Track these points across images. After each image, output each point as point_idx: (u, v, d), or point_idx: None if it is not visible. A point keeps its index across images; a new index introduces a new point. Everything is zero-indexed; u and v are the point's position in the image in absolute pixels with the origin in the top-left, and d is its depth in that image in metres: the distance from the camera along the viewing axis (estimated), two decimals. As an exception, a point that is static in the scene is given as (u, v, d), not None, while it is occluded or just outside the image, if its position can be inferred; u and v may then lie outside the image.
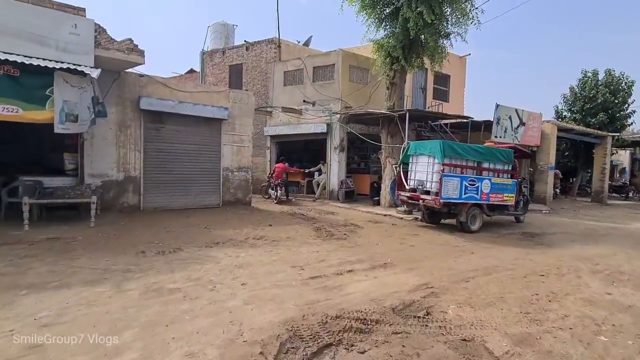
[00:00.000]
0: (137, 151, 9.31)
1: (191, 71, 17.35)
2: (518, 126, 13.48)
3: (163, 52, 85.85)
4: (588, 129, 16.67)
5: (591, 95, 18.56)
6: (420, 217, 9.64)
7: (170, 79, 9.64)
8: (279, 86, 14.73)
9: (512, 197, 8.82)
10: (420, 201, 8.25)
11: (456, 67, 17.28)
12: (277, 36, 14.89)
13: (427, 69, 15.72)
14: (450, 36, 11.15)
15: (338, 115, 13.19)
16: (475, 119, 13.08)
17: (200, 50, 17.35)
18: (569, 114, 19.71)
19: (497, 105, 12.66)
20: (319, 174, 14.04)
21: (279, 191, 12.67)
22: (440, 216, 9.30)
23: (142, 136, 9.36)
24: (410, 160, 8.89)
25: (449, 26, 11.09)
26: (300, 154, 18.07)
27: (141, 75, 9.32)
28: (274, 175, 13.10)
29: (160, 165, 9.70)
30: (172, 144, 9.84)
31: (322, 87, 13.52)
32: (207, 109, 10.12)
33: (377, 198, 12.42)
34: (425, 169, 8.35)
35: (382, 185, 12.21)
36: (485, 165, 8.45)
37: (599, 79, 18.94)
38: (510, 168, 8.85)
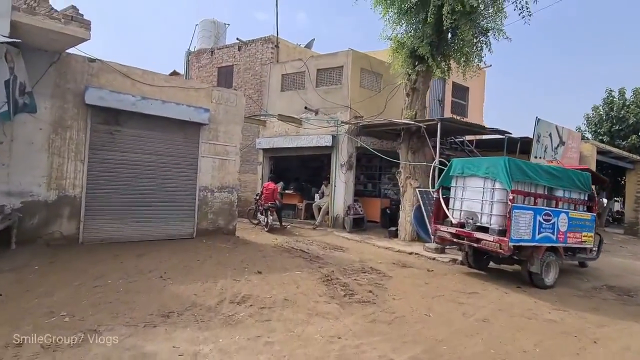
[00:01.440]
0: (78, 161, 6.78)
1: (174, 73, 15.13)
2: (558, 145, 11.40)
3: (141, 51, 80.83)
4: (624, 153, 14.76)
5: (621, 116, 16.85)
6: (461, 259, 7.21)
7: (134, 68, 7.21)
8: (275, 91, 12.51)
9: (591, 236, 6.50)
10: (475, 242, 5.84)
11: (475, 79, 15.38)
12: (275, 34, 12.84)
13: (445, 79, 13.81)
14: (489, 33, 9.15)
15: (346, 126, 10.93)
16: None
17: (186, 50, 15.21)
18: (594, 136, 17.93)
19: (538, 120, 10.58)
20: (321, 197, 11.60)
21: (270, 217, 10.15)
22: (489, 259, 6.90)
23: (87, 141, 6.86)
24: (454, 184, 6.56)
25: (486, 21, 9.11)
26: (298, 171, 15.68)
27: (92, 60, 6.92)
28: (262, 197, 10.64)
29: (111, 181, 7.15)
30: (131, 153, 7.34)
31: (327, 93, 11.33)
32: (182, 110, 7.71)
33: (394, 229, 9.99)
34: (479, 197, 6.01)
35: (400, 213, 9.81)
36: (559, 193, 6.15)
37: (627, 98, 17.31)
38: (586, 197, 6.56)
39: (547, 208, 5.80)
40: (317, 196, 11.81)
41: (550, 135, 11.04)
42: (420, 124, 8.73)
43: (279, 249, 7.81)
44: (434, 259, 7.61)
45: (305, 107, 11.12)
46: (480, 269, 6.88)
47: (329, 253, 7.77)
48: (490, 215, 5.77)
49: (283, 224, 10.89)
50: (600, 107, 17.85)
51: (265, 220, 10.29)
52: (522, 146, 10.89)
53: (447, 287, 5.57)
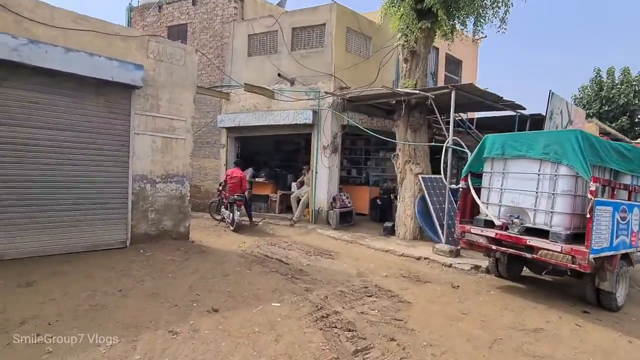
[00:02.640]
0: None
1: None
2: (567, 124, 10.08)
3: (70, 5, 71.80)
4: (620, 135, 13.96)
5: (610, 96, 16.09)
6: (486, 267, 5.58)
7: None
8: (240, 56, 10.13)
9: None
10: (526, 252, 4.13)
11: (469, 51, 13.82)
12: (240, -14, 10.33)
13: (438, 49, 12.07)
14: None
15: (330, 100, 8.88)
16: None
17: (127, 4, 12.24)
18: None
19: (552, 94, 9.10)
20: (300, 186, 9.58)
21: (237, 212, 8.03)
22: (522, 266, 5.31)
23: None
24: (488, 169, 4.79)
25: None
26: (271, 155, 13.49)
27: None
28: (226, 187, 8.48)
29: (-15, 169, 4.69)
30: (21, 128, 4.88)
31: (305, 58, 9.16)
32: (99, 64, 5.29)
33: (389, 224, 8.23)
34: (531, 187, 4.27)
35: (398, 205, 8.05)
36: (627, 179, 4.56)
37: (615, 77, 16.58)
38: (651, 185, 5.05)
39: (625, 202, 4.19)
40: (294, 185, 9.78)
41: (561, 112, 9.66)
42: (428, 94, 6.87)
43: (247, 260, 5.77)
44: (450, 265, 5.91)
45: (279, 74, 8.91)
46: (514, 280, 5.27)
47: (316, 262, 5.85)
48: (551, 213, 4.07)
49: (253, 220, 8.81)
50: (589, 87, 17.06)
51: (231, 217, 8.15)
52: (532, 124, 9.43)
53: (496, 321, 3.84)
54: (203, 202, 10.51)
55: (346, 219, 8.95)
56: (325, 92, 8.57)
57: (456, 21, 7.80)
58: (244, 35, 10.09)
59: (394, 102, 8.50)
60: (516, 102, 8.05)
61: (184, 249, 6.08)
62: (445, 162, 6.43)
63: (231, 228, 8.20)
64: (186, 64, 6.49)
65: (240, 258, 5.87)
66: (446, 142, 6.44)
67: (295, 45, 9.46)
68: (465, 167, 5.02)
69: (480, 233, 4.61)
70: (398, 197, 8.08)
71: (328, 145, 8.95)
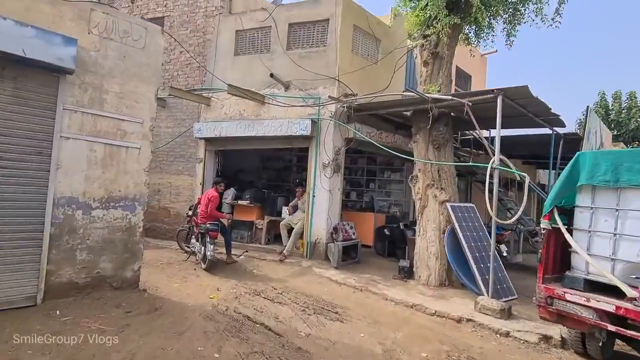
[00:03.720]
0: None
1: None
2: (599, 146, 8.83)
3: None
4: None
5: (620, 120, 15.29)
6: (564, 340, 3.91)
7: None
8: (226, 55, 8.53)
9: None
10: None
11: (477, 66, 12.74)
12: (228, -24, 8.88)
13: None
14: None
15: (333, 108, 7.31)
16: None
17: (97, -4, 10.59)
18: (588, 142, 16.26)
19: (589, 111, 7.85)
20: (293, 211, 7.82)
21: (210, 246, 6.16)
22: (613, 340, 3.67)
23: None
24: (589, 203, 3.21)
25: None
26: (259, 173, 11.75)
27: None
28: (197, 212, 6.67)
29: None
30: None
31: (303, 59, 7.64)
32: (3, 29, 3.52)
33: (405, 264, 6.53)
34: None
35: (418, 239, 6.37)
36: None
37: (622, 102, 15.89)
38: None
39: None
40: (285, 210, 8.01)
41: (596, 132, 8.41)
42: (464, 100, 5.36)
43: (218, 326, 3.90)
44: (508, 334, 4.20)
45: (272, 75, 7.30)
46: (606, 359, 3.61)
47: (319, 329, 4.05)
48: None
49: (232, 254, 6.93)
50: (596, 109, 16.30)
51: (202, 252, 6.28)
52: (566, 145, 8.09)
53: None
54: (172, 229, 8.58)
55: (350, 255, 7.19)
56: (329, 97, 6.99)
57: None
58: (231, 31, 8.53)
59: (409, 113, 7.03)
60: (559, 116, 6.68)
61: (127, 305, 4.17)
62: (491, 189, 4.85)
63: (202, 266, 6.31)
64: (147, 48, 4.78)
65: (209, 322, 4.00)
66: (491, 162, 4.88)
67: (291, 44, 7.94)
68: (550, 199, 3.42)
69: (585, 303, 2.96)
70: (417, 230, 6.41)
71: (329, 162, 7.30)
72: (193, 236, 6.92)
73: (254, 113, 8.05)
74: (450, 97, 5.52)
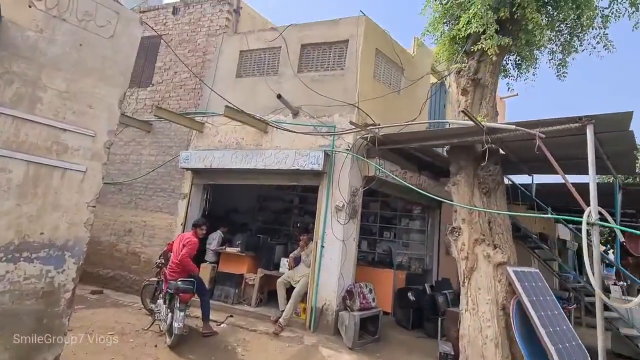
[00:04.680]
0: None
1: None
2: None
3: None
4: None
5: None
6: None
7: None
8: (226, 77, 7.42)
9: None
10: None
11: (499, 109, 11.85)
12: (237, -3, 8.10)
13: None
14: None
15: (351, 139, 6.01)
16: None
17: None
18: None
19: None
20: (294, 264, 6.16)
21: (178, 314, 4.43)
22: None
23: None
24: None
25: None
26: (253, 215, 10.21)
27: None
28: (166, 263, 5.04)
29: None
30: None
31: (317, 83, 6.51)
32: None
33: (448, 350, 4.78)
34: None
35: (464, 315, 4.69)
36: None
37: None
38: None
39: None
40: (284, 263, 6.36)
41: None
42: (534, 131, 4.05)
43: None
44: None
45: (279, 96, 6.09)
46: None
47: None
48: None
49: (212, 320, 5.18)
50: None
51: (169, 320, 4.54)
52: (627, 198, 6.74)
53: None
54: (140, 280, 6.82)
55: (367, 329, 5.43)
56: (351, 122, 5.70)
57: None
58: (235, 51, 7.51)
59: (445, 149, 5.74)
60: None
61: None
62: (591, 252, 3.36)
63: (167, 341, 4.52)
64: (117, 38, 3.52)
65: None
66: (586, 214, 3.44)
67: (303, 66, 6.87)
68: None
69: None
70: (463, 301, 4.77)
71: (344, 206, 5.82)
72: (161, 294, 5.19)
73: (254, 142, 6.73)
74: (513, 127, 4.22)
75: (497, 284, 4.51)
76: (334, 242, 5.77)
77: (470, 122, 4.65)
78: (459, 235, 5.00)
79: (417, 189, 5.42)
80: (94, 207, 3.33)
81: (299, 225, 9.63)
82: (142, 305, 5.98)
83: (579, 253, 11.57)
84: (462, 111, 4.39)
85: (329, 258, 5.74)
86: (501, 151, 5.32)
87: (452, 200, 5.17)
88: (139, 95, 8.19)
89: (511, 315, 4.14)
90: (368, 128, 5.53)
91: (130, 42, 3.63)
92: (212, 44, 7.80)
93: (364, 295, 5.44)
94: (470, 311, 4.59)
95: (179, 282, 4.52)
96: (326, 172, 5.97)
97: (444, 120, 5.35)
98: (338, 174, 5.95)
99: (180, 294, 4.48)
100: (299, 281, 5.89)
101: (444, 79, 7.06)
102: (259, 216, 10.19)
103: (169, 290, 4.64)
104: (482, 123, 4.43)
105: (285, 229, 9.78)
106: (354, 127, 5.68)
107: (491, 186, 4.98)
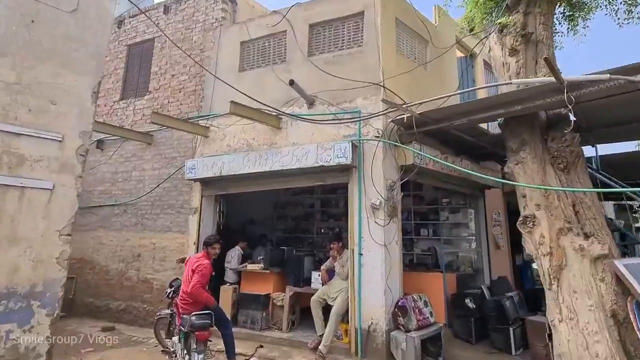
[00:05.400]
0: None
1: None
2: None
3: None
4: None
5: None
6: None
7: None
8: (228, 72, 6.60)
9: None
10: None
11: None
12: (231, -14, 7.32)
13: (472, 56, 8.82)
14: None
15: (380, 125, 5.07)
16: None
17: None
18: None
19: None
20: (328, 277, 5.23)
21: (197, 356, 3.53)
22: None
23: None
24: None
25: None
26: (272, 225, 9.35)
27: None
28: (177, 292, 4.15)
29: None
30: None
31: (331, 66, 5.62)
32: None
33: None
34: None
35: (560, 326, 3.65)
36: None
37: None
38: None
39: None
40: (316, 277, 5.44)
41: None
42: (636, 78, 3.04)
43: None
44: None
45: (291, 83, 5.20)
46: None
47: None
48: None
49: (238, 355, 4.29)
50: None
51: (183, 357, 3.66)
52: None
53: None
54: (154, 310, 6.01)
55: (428, 351, 4.43)
56: (383, 100, 4.75)
57: None
58: (235, 43, 6.70)
59: (498, 122, 4.75)
60: None
61: None
62: None
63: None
64: (81, 12, 2.70)
65: None
66: None
67: (314, 48, 5.99)
68: None
69: None
70: (552, 310, 3.73)
71: (381, 203, 4.87)
72: (175, 329, 4.33)
73: (267, 141, 5.87)
74: (607, 77, 3.21)
75: (599, 284, 3.47)
76: (374, 247, 4.82)
77: (536, 81, 3.67)
78: (534, 225, 3.98)
79: (475, 173, 4.43)
80: (69, 235, 2.49)
81: (322, 231, 8.71)
82: (157, 341, 5.15)
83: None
84: (545, 59, 3.38)
85: (370, 267, 4.79)
86: (571, 117, 4.29)
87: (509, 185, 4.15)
88: (136, 105, 7.46)
89: (635, 321, 3.09)
90: (405, 106, 4.58)
91: (99, 17, 2.80)
92: (210, 39, 7.01)
93: (420, 309, 4.46)
94: (567, 322, 3.55)
95: (193, 317, 3.65)
96: (355, 165, 5.04)
97: (505, 82, 4.34)
98: (370, 167, 5.01)
99: (197, 333, 3.60)
100: (336, 298, 4.96)
101: (482, 41, 6.03)
102: (277, 225, 9.31)
103: (182, 328, 3.77)
104: (567, 78, 3.42)
105: (309, 236, 8.87)
106: (385, 108, 4.74)
107: (569, 159, 3.96)
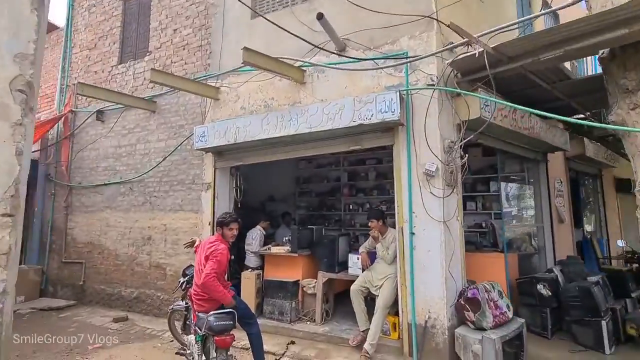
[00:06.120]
0: None
1: (50, 29, 8.06)
2: None
3: None
4: None
5: None
6: None
7: None
8: (239, 21, 5.53)
9: None
10: None
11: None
12: None
13: None
14: None
15: (435, 66, 3.95)
16: None
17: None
18: None
19: None
20: (369, 261, 4.32)
21: (219, 359, 2.72)
22: None
23: None
24: None
25: None
26: (294, 202, 8.53)
27: None
28: (192, 283, 3.29)
29: None
30: None
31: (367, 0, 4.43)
32: None
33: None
34: None
35: None
36: None
37: None
38: None
39: None
40: (354, 261, 4.54)
41: None
42: None
43: None
44: None
45: (320, 17, 4.10)
46: None
47: None
48: None
49: (267, 353, 3.49)
50: None
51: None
52: None
53: None
54: (169, 299, 5.32)
55: (505, 353, 3.49)
56: (451, 24, 3.59)
57: None
58: (244, -15, 5.55)
59: (602, 54, 3.54)
60: None
61: None
62: None
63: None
64: None
65: None
66: None
67: (342, -19, 4.79)
68: None
69: None
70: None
71: (437, 169, 3.84)
72: (191, 324, 3.55)
73: (289, 99, 4.84)
74: None
75: None
76: (430, 225, 3.83)
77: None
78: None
79: (578, 121, 3.31)
80: (11, 216, 1.60)
81: (350, 207, 7.79)
82: (173, 337, 4.45)
83: None
84: None
85: (426, 250, 3.83)
86: None
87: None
88: (135, 69, 6.52)
89: None
90: (478, 36, 3.42)
91: None
92: (215, -17, 5.87)
93: (495, 302, 3.50)
94: None
95: (211, 318, 2.83)
96: (403, 123, 3.99)
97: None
98: (421, 124, 3.94)
99: (217, 339, 2.78)
100: (381, 285, 4.07)
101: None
102: (300, 202, 8.44)
103: (199, 330, 2.96)
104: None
105: (335, 214, 7.98)
106: (444, 45, 3.60)
107: None
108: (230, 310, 2.96)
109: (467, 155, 3.85)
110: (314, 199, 8.27)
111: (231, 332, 2.91)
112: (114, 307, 6.06)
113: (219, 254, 3.03)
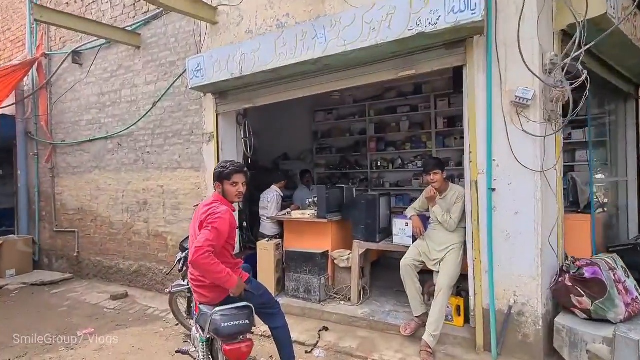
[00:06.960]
0: None
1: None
2: None
3: None
4: None
5: None
6: None
7: None
8: None
9: None
10: None
11: None
12: None
13: None
14: None
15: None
16: None
17: None
18: None
19: None
20: (422, 228, 3.27)
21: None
22: None
23: None
24: None
25: None
26: (312, 159, 7.44)
27: None
28: (188, 257, 2.26)
29: None
30: None
31: None
32: None
33: None
34: None
35: None
36: None
37: None
38: None
39: None
40: (401, 227, 3.50)
41: None
42: None
43: None
44: None
45: None
46: None
47: None
48: None
49: (296, 344, 2.59)
50: None
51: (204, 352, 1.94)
52: None
53: None
54: (172, 275, 4.45)
55: None
56: None
57: None
58: None
59: None
60: None
61: None
62: None
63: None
64: None
65: None
66: None
67: None
68: None
69: None
70: None
71: (533, 96, 2.63)
72: (194, 322, 2.63)
73: (309, 13, 3.56)
74: None
75: None
76: (519, 176, 2.71)
77: None
78: None
79: None
80: None
81: (379, 164, 6.67)
82: (173, 317, 3.63)
83: None
84: None
85: (512, 212, 2.74)
86: None
87: None
88: (113, -5, 5.19)
89: None
90: None
91: None
92: None
93: (624, 285, 2.44)
94: None
95: (217, 317, 1.87)
96: (482, 32, 2.73)
97: None
98: (511, 31, 2.68)
99: (225, 347, 1.82)
100: (441, 260, 3.05)
101: None
102: (318, 160, 7.34)
103: (202, 328, 2.02)
104: None
105: (360, 172, 6.88)
106: None
107: None
108: (246, 304, 1.98)
109: (585, 72, 2.59)
110: (335, 156, 7.14)
111: (248, 336, 1.96)
112: (113, 282, 5.30)
113: (217, 218, 2.00)
